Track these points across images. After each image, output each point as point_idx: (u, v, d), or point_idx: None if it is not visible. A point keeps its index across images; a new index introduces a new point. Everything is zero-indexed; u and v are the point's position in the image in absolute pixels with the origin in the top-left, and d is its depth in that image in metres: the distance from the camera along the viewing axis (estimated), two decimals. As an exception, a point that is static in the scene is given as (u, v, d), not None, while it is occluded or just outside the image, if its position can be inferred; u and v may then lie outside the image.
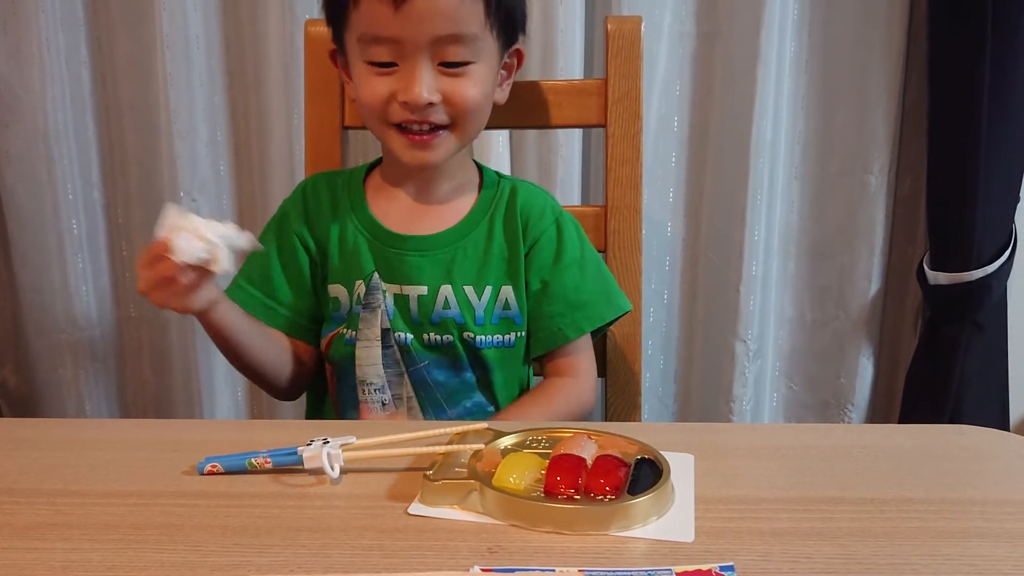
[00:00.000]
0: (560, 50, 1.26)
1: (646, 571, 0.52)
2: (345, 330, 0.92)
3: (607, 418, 1.01)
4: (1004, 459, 0.69)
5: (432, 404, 0.91)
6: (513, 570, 0.53)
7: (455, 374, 0.91)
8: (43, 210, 1.38)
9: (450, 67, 0.83)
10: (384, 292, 0.90)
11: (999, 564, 0.53)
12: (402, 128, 0.85)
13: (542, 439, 0.67)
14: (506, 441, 0.67)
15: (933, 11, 1.27)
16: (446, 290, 0.90)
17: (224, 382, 1.47)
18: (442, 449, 0.65)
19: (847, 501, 0.61)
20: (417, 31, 0.80)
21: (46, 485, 0.64)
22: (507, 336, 0.91)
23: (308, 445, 0.65)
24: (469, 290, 0.90)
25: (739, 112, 1.31)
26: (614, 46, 1.00)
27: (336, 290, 0.92)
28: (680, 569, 0.52)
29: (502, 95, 0.92)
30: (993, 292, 1.34)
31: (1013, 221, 1.34)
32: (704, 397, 1.44)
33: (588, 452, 0.64)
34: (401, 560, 0.54)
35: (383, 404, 0.90)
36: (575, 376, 0.93)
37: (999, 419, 1.42)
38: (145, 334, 1.47)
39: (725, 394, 1.41)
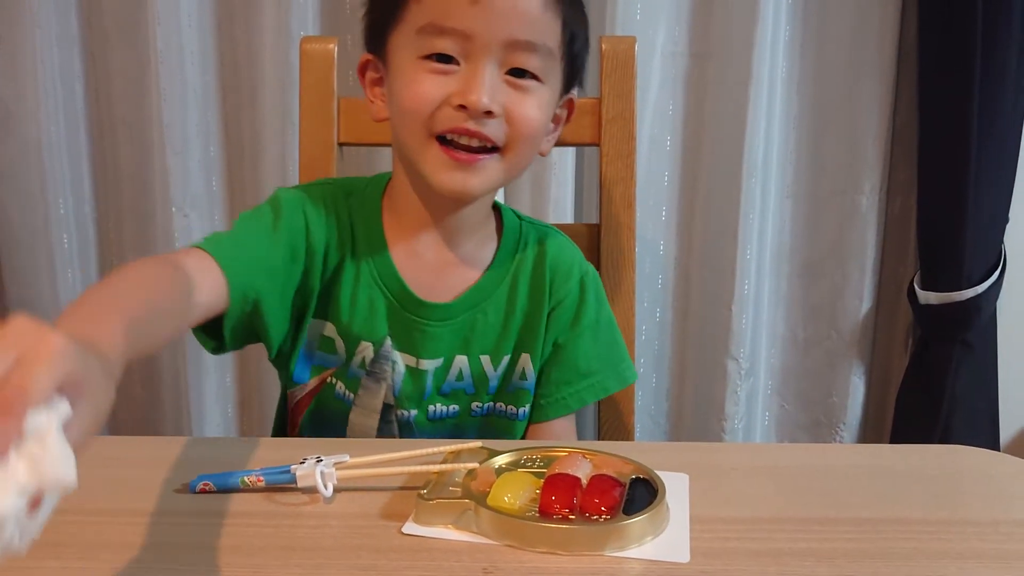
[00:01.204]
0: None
1: (642, 592, 0.52)
2: (335, 381, 0.83)
3: (600, 437, 1.01)
4: (998, 479, 0.69)
5: None
6: (509, 591, 0.52)
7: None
8: (35, 224, 1.38)
9: (519, 76, 0.73)
10: (395, 364, 0.81)
11: (995, 585, 0.53)
12: (445, 142, 0.74)
13: (537, 458, 0.67)
14: (501, 460, 0.67)
15: (923, 33, 1.29)
16: (461, 361, 0.82)
17: (214, 398, 1.46)
18: (436, 468, 0.64)
19: (843, 522, 0.61)
20: (493, 27, 0.71)
21: (36, 503, 0.63)
22: (521, 409, 0.85)
23: (301, 463, 0.65)
24: (485, 360, 0.83)
25: (731, 132, 1.32)
26: (608, 66, 1.00)
27: (331, 331, 0.81)
28: (676, 590, 0.52)
29: (547, 145, 0.81)
30: (983, 312, 1.35)
31: (1002, 241, 1.35)
32: (696, 415, 1.44)
33: (583, 472, 0.63)
34: (395, 580, 0.54)
35: None
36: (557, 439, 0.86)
37: (990, 438, 1.42)
38: (135, 350, 1.46)
39: (717, 412, 1.41)
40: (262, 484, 0.64)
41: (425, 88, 0.73)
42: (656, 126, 1.34)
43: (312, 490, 0.63)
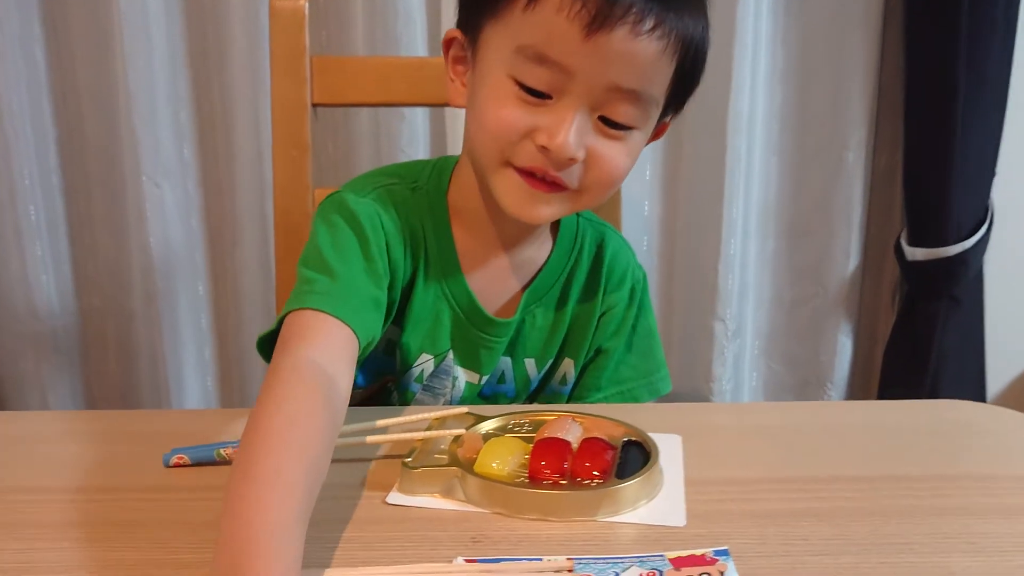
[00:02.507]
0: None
1: (638, 557, 0.50)
2: (392, 389, 0.79)
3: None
4: (997, 433, 0.67)
5: None
6: (499, 560, 0.50)
7: None
8: (-1, 197, 1.33)
9: (611, 126, 0.67)
10: (455, 379, 0.78)
11: (999, 541, 0.52)
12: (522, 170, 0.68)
13: (525, 423, 0.65)
14: (488, 426, 0.65)
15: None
16: (505, 363, 0.79)
17: (193, 372, 1.43)
18: (421, 435, 0.62)
19: (840, 480, 0.60)
20: (598, 70, 0.64)
21: (1, 482, 0.60)
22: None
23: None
24: (530, 363, 0.80)
25: (716, 89, 1.29)
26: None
27: (394, 333, 0.76)
28: (673, 555, 0.50)
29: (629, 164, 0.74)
30: (970, 267, 1.34)
31: (989, 196, 1.33)
32: (684, 377, 1.42)
33: (573, 435, 0.61)
34: (381, 553, 0.52)
35: None
36: None
37: (977, 393, 1.42)
38: (110, 324, 1.43)
39: (705, 374, 1.40)
40: None
41: (511, 117, 0.66)
42: (639, 84, 1.31)
43: (292, 461, 0.61)
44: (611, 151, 0.67)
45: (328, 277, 0.66)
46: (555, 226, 0.80)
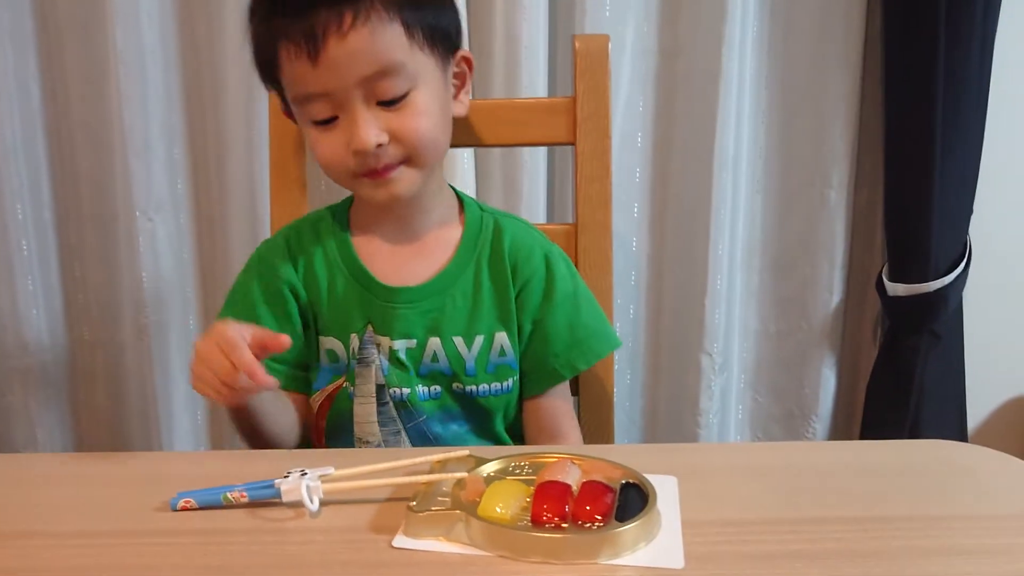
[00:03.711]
0: (524, 67, 1.26)
1: (640, 601, 0.51)
2: (347, 384, 0.88)
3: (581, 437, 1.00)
4: (980, 473, 0.69)
5: None
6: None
7: (453, 426, 0.88)
8: (-9, 231, 1.34)
9: (388, 104, 0.79)
10: (378, 347, 0.86)
11: (985, 582, 0.54)
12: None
13: (525, 465, 0.66)
14: (488, 468, 0.66)
15: (887, 27, 1.30)
16: (434, 343, 0.86)
17: (183, 407, 1.43)
18: (424, 478, 0.63)
19: (832, 521, 0.61)
20: (341, 79, 0.76)
21: (8, 526, 0.61)
22: (504, 383, 0.88)
23: (285, 477, 0.63)
24: (458, 341, 0.86)
25: (701, 128, 1.32)
26: (582, 64, 1.00)
27: (331, 343, 0.88)
28: (674, 598, 0.52)
29: (461, 107, 0.87)
30: (950, 302, 1.37)
31: (967, 233, 1.37)
32: (671, 411, 1.44)
33: (573, 478, 0.63)
34: (388, 597, 0.53)
35: None
36: (566, 415, 0.91)
37: (958, 426, 1.45)
38: (99, 358, 1.43)
39: (692, 408, 1.41)
40: (245, 500, 0.63)
41: (325, 146, 0.81)
42: (627, 123, 1.34)
43: (297, 504, 0.62)
44: (405, 120, 0.79)
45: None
46: (462, 214, 0.91)
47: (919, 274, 1.34)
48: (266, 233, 1.08)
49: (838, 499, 0.65)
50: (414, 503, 0.60)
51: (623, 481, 0.64)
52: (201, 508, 0.63)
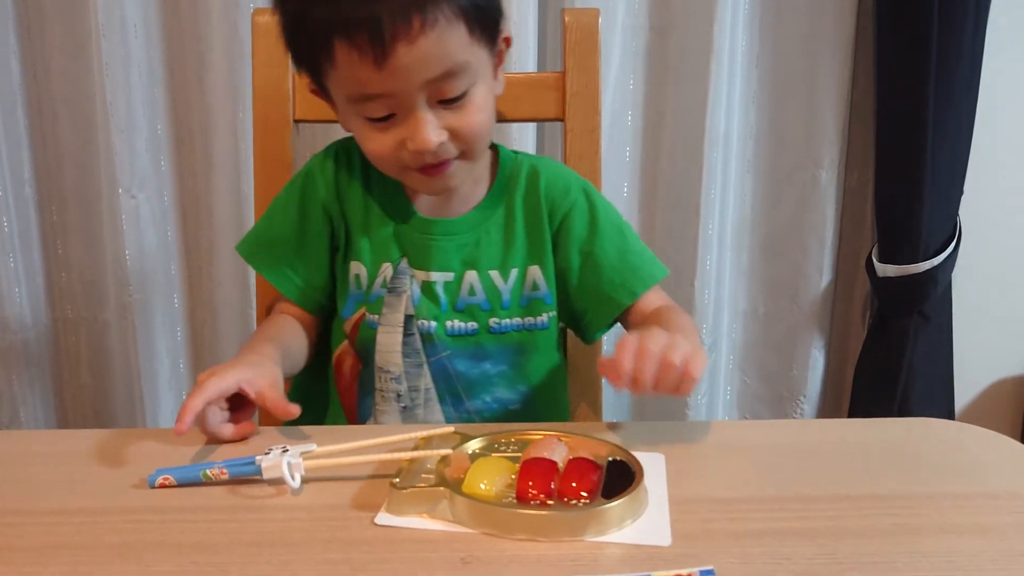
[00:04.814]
0: (514, 42, 1.23)
1: (626, 578, 0.51)
2: (368, 313, 0.87)
3: (569, 415, 1.00)
4: (969, 451, 0.69)
5: (451, 395, 0.87)
6: (489, 581, 0.51)
7: (477, 364, 0.87)
8: (-30, 208, 1.32)
9: (450, 103, 0.77)
10: (412, 278, 0.86)
11: (977, 559, 0.53)
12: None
13: (511, 442, 0.65)
14: (473, 445, 0.65)
15: (879, 7, 1.29)
16: (471, 276, 0.86)
17: (167, 385, 1.42)
18: (408, 455, 0.62)
19: (822, 499, 0.61)
20: (408, 82, 0.74)
21: (-17, 504, 0.60)
22: (538, 318, 0.87)
23: (266, 454, 0.62)
24: (495, 275, 0.86)
25: (692, 106, 1.31)
26: (571, 39, 0.98)
27: (357, 268, 0.88)
28: (659, 575, 0.51)
29: (499, 87, 0.85)
30: (939, 283, 1.37)
31: (957, 214, 1.36)
32: (660, 392, 1.44)
33: (559, 455, 0.62)
34: (370, 573, 0.52)
35: (398, 396, 0.86)
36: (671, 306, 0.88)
37: (946, 408, 1.45)
38: (83, 336, 1.41)
39: (681, 389, 1.41)
40: (225, 477, 0.62)
41: (380, 143, 0.79)
42: (617, 101, 1.33)
43: (279, 482, 0.61)
44: (464, 117, 0.78)
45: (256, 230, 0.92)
46: (496, 164, 0.90)
47: (909, 255, 1.34)
48: (251, 211, 1.06)
49: (827, 477, 0.64)
50: (397, 480, 0.59)
51: (610, 458, 0.63)
52: (180, 485, 0.62)
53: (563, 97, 0.99)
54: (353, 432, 0.70)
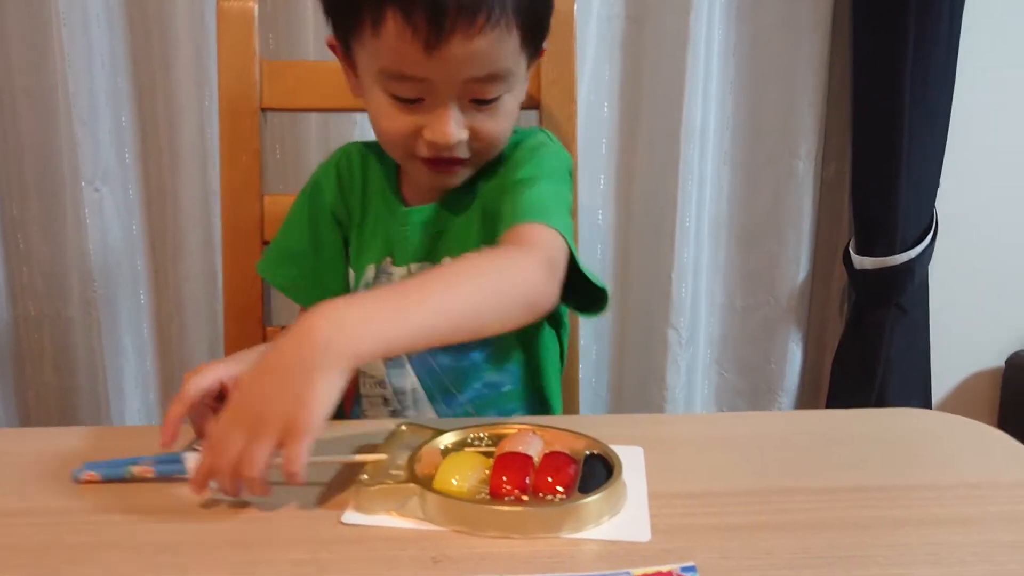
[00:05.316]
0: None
1: (603, 575, 0.49)
2: None
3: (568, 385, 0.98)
4: (948, 440, 0.68)
5: (440, 391, 0.84)
6: (460, 581, 0.49)
7: (461, 355, 0.84)
8: (-73, 202, 1.27)
9: (482, 104, 0.75)
10: (389, 276, 0.84)
11: (957, 551, 0.52)
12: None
13: (484, 437, 0.64)
14: (446, 440, 0.63)
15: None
16: (447, 263, 0.82)
17: (133, 384, 1.38)
18: (375, 456, 0.60)
19: (801, 492, 0.59)
20: (451, 74, 0.71)
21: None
22: None
23: (194, 450, 0.59)
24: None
25: (668, 97, 1.30)
26: (546, 26, 0.96)
27: (353, 271, 0.87)
28: (639, 571, 0.49)
29: (523, 96, 0.82)
30: (916, 276, 1.37)
31: (934, 206, 1.36)
32: (637, 386, 1.42)
33: (534, 449, 0.60)
34: (337, 574, 0.50)
35: (385, 400, 0.84)
36: (520, 244, 0.73)
37: (922, 400, 1.45)
38: (46, 333, 1.37)
39: (658, 382, 1.40)
40: (151, 476, 0.59)
41: (397, 126, 0.76)
42: (593, 92, 1.31)
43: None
44: (489, 122, 0.76)
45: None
46: None
47: (886, 247, 1.34)
48: (217, 204, 1.03)
49: (807, 469, 0.63)
50: (365, 476, 0.57)
51: (587, 452, 0.61)
52: (105, 481, 0.59)
53: (539, 85, 0.97)
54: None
